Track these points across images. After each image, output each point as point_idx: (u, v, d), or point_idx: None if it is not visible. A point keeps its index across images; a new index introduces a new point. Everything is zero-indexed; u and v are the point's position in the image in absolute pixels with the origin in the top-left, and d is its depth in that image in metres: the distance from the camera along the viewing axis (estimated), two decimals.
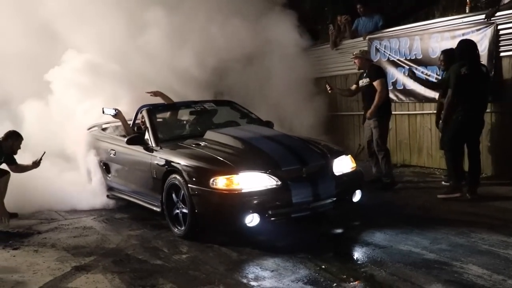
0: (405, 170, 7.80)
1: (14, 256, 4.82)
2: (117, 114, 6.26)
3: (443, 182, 6.70)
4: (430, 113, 7.55)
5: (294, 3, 12.78)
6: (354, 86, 7.17)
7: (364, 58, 6.95)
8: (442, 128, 6.14)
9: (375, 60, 8.29)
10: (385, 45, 8.16)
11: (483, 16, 6.78)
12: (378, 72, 6.81)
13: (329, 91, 7.42)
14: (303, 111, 9.20)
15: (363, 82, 6.87)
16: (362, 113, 8.53)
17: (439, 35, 7.31)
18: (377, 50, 8.28)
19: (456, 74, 5.78)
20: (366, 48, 7.88)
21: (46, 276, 4.25)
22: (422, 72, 7.52)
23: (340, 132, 9.07)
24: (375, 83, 6.65)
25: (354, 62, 7.10)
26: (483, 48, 6.72)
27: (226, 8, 8.87)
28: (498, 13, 6.63)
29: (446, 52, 6.49)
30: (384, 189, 6.63)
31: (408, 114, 8.01)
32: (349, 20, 9.04)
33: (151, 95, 6.84)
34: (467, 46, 5.98)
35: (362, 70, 6.99)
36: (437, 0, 11.90)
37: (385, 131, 6.82)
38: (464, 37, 6.79)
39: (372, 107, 6.68)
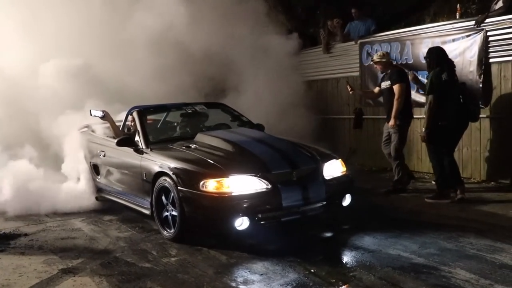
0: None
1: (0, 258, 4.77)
2: (105, 116, 6.23)
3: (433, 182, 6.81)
4: (420, 118, 7.58)
5: (286, 6, 12.84)
6: (376, 89, 6.99)
7: (384, 62, 6.74)
8: (426, 136, 5.99)
9: (365, 65, 8.37)
10: (376, 50, 8.18)
11: (473, 23, 6.84)
12: (399, 75, 6.61)
13: (350, 92, 7.20)
14: (293, 115, 9.20)
15: (385, 84, 6.71)
16: (353, 117, 8.64)
17: (429, 40, 7.36)
18: (369, 54, 8.30)
19: (439, 80, 5.83)
20: (383, 52, 7.22)
21: (32, 279, 4.20)
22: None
23: (330, 136, 9.06)
24: (394, 87, 6.51)
25: (375, 67, 6.97)
26: (472, 54, 6.79)
27: (216, 9, 8.87)
28: (488, 20, 6.69)
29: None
30: (391, 192, 6.62)
31: None
32: (341, 23, 9.07)
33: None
34: (443, 53, 6.07)
35: (384, 73, 6.82)
36: (428, 5, 12.00)
37: (404, 137, 6.68)
38: (454, 43, 6.88)
39: (392, 114, 6.52)
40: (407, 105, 6.66)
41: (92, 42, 7.86)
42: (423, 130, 6.04)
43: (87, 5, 7.92)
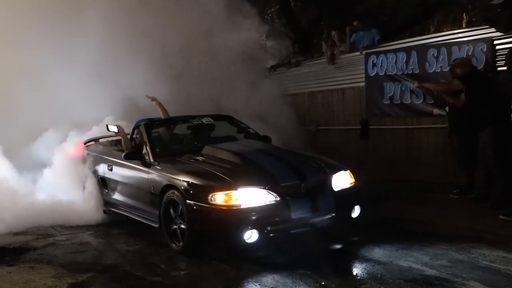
0: (403, 184, 7.76)
1: (9, 272, 4.75)
2: (119, 131, 6.26)
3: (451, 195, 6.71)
4: (428, 128, 7.58)
5: (290, 17, 12.94)
6: (463, 96, 6.30)
7: (466, 66, 6.39)
8: None
9: (371, 75, 8.36)
10: (381, 60, 8.19)
11: (479, 32, 6.83)
12: (468, 76, 6.23)
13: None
14: (298, 126, 9.22)
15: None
16: (359, 127, 8.63)
17: (435, 49, 7.35)
18: (374, 64, 8.30)
19: None
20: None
21: None
22: None
23: (336, 147, 9.04)
24: (455, 81, 6.26)
25: (455, 72, 6.44)
26: (479, 63, 6.75)
27: (219, 21, 8.93)
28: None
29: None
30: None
31: (406, 129, 8.01)
32: (352, 30, 9.06)
33: (151, 100, 6.93)
34: None
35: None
36: (432, 14, 12.04)
37: (502, 144, 5.94)
38: (460, 52, 6.87)
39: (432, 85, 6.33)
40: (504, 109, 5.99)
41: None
42: None
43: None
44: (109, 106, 7.46)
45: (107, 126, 6.40)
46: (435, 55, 7.33)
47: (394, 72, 7.98)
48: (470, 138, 6.29)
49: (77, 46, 7.74)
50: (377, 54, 8.29)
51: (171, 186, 5.07)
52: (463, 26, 7.45)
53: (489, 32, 6.73)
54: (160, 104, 7.00)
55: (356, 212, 5.15)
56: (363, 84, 8.59)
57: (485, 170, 6.20)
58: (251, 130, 6.53)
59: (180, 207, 4.92)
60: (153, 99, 7.07)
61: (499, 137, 5.91)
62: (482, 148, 6.13)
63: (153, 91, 7.41)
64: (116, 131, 6.28)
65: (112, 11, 7.88)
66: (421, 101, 7.59)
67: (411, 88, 7.64)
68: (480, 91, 6.07)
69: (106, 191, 6.43)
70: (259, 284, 4.17)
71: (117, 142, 6.68)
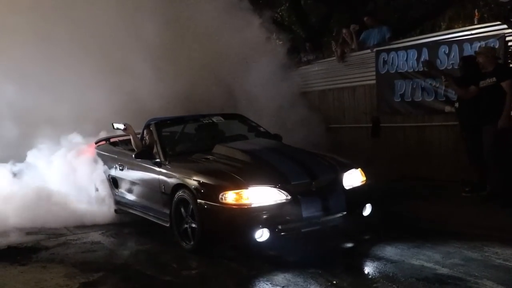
0: (414, 182, 7.71)
1: (22, 272, 4.79)
2: (127, 129, 6.23)
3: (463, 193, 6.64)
4: (440, 125, 7.51)
5: (301, 15, 12.92)
6: (472, 88, 6.22)
7: (490, 56, 6.11)
8: None
9: (382, 73, 8.31)
10: (392, 57, 8.12)
11: (491, 28, 6.75)
12: (508, 71, 6.05)
13: (444, 82, 6.69)
14: (308, 124, 9.18)
15: (487, 82, 6.02)
16: (370, 125, 8.58)
17: (446, 46, 7.29)
18: (385, 62, 8.24)
19: None
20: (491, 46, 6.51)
21: None
22: (431, 84, 7.49)
23: (347, 145, 9.00)
24: (505, 84, 5.85)
25: (478, 60, 6.23)
26: None
27: (233, 22, 8.93)
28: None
29: (465, 59, 6.47)
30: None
31: (417, 126, 7.95)
32: (357, 30, 9.02)
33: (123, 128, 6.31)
34: None
35: (484, 70, 6.12)
36: (444, 11, 11.95)
37: (504, 140, 5.97)
38: (472, 49, 6.78)
39: (503, 114, 5.82)
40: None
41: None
42: None
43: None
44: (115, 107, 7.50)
45: (112, 124, 6.33)
46: (446, 52, 7.25)
47: (405, 70, 7.92)
48: (480, 135, 6.24)
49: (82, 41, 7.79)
50: (388, 51, 8.22)
51: (182, 185, 5.08)
52: (475, 23, 7.38)
53: (501, 28, 6.65)
54: (133, 134, 6.25)
55: (367, 210, 5.13)
56: (374, 82, 8.53)
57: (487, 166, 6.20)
58: (261, 128, 6.52)
59: (191, 206, 4.92)
60: (126, 127, 6.26)
61: (501, 134, 5.90)
62: (485, 144, 6.10)
63: (161, 91, 7.42)
64: (122, 128, 6.25)
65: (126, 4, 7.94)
66: (432, 98, 7.53)
67: (422, 86, 7.60)
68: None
69: (117, 190, 6.45)
70: (270, 283, 4.17)
71: (128, 142, 6.70)
